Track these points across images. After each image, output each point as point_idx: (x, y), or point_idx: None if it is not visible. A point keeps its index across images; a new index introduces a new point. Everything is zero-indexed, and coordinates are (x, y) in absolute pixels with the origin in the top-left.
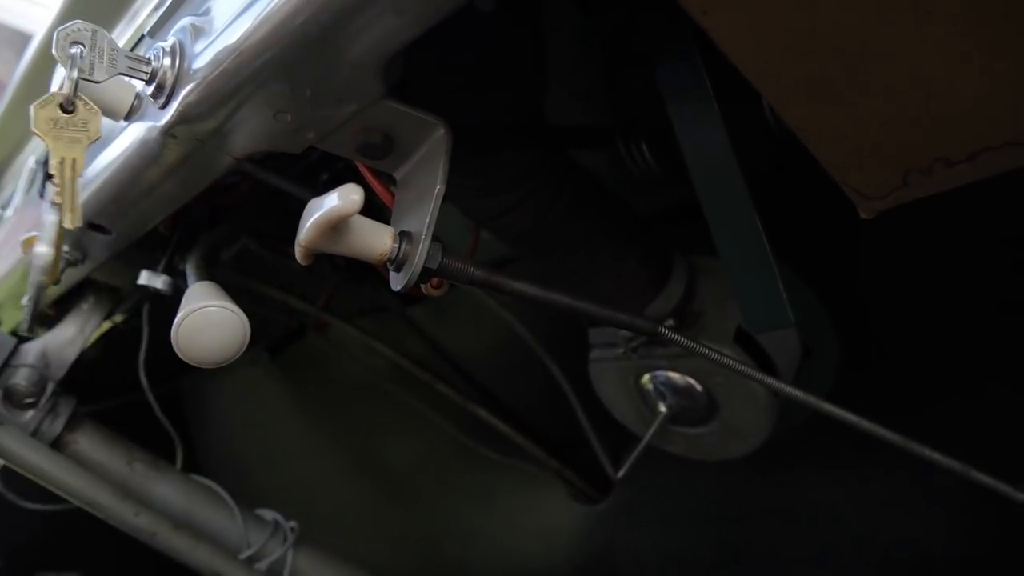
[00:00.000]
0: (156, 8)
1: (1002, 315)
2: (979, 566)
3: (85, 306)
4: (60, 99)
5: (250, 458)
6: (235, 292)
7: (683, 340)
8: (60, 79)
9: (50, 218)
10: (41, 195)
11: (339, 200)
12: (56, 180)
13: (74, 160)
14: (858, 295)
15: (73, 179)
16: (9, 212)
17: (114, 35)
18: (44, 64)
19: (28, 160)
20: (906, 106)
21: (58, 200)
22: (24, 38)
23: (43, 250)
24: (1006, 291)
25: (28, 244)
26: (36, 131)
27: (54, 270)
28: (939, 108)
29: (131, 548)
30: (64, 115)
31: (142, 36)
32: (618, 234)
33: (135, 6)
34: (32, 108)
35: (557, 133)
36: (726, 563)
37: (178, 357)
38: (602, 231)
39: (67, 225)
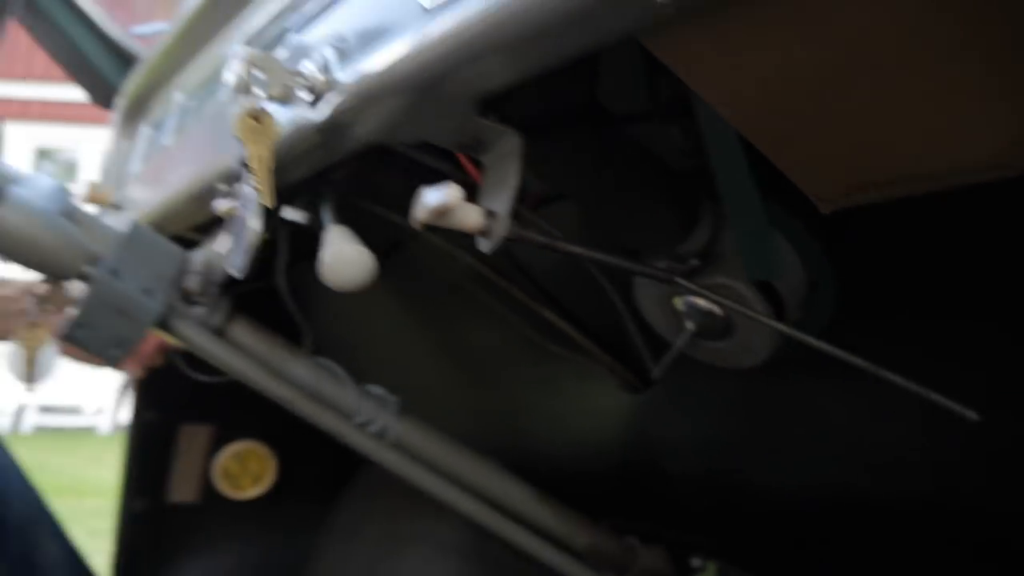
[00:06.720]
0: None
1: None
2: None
3: None
4: (253, 113)
5: (353, 341)
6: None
7: (696, 288)
8: (239, 77)
9: (254, 198)
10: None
11: (445, 195)
12: (255, 170)
13: (266, 156)
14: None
15: (267, 170)
16: (166, 140)
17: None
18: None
19: (175, 95)
20: (877, 136)
21: (258, 186)
22: None
23: (255, 226)
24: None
25: None
26: (238, 135)
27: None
28: (910, 137)
29: (266, 408)
30: (254, 123)
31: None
32: (655, 180)
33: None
34: (235, 118)
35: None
36: (740, 444)
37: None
38: (640, 178)
39: (266, 204)
